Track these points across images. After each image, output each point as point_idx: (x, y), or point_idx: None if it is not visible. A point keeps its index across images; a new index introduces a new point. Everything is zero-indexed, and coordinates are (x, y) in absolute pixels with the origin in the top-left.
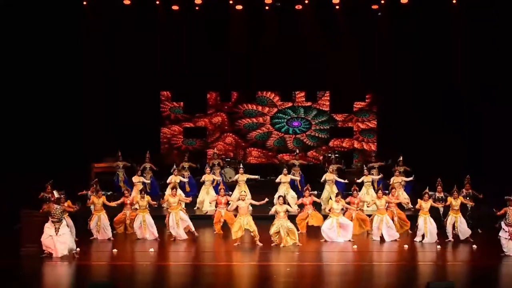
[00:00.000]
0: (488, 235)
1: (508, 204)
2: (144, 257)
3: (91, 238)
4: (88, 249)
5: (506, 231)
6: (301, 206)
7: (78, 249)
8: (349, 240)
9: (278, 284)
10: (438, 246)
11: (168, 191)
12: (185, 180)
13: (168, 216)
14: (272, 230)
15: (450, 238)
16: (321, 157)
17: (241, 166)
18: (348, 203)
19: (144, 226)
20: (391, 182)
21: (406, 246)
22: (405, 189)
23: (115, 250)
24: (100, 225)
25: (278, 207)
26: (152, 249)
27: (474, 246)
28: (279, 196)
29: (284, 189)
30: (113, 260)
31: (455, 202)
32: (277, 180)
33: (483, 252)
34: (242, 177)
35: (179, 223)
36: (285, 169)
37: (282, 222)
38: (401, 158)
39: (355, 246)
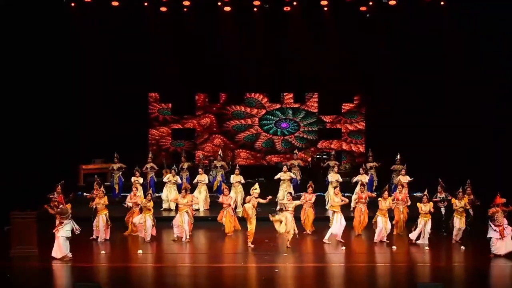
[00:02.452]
0: (478, 237)
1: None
2: (132, 259)
3: (90, 238)
4: (78, 251)
5: (496, 231)
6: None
7: (70, 254)
8: (340, 241)
9: (272, 285)
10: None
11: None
12: (184, 180)
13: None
14: (277, 217)
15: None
16: (309, 159)
17: (238, 167)
18: (356, 199)
19: (144, 226)
20: (396, 182)
21: (394, 248)
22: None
23: (103, 252)
24: (98, 225)
25: (288, 203)
26: (140, 251)
27: (463, 247)
28: (288, 192)
29: (284, 187)
30: (101, 261)
31: (459, 203)
32: (277, 176)
33: (472, 254)
34: (236, 178)
35: (184, 222)
36: (284, 167)
37: (288, 215)
38: (398, 157)
39: (343, 248)
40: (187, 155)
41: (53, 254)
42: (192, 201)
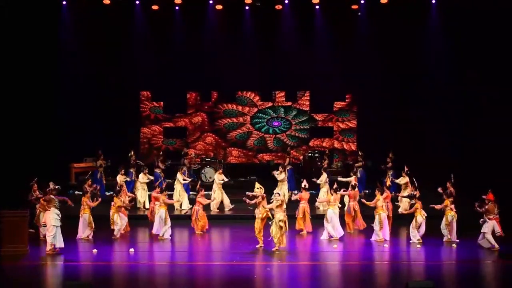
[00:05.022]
0: (468, 235)
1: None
2: (123, 257)
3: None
4: (68, 249)
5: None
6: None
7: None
8: (331, 237)
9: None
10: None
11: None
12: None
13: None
14: (272, 230)
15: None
16: (301, 157)
17: (221, 165)
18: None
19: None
20: (398, 181)
21: (386, 246)
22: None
23: (94, 250)
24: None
25: (273, 204)
26: (132, 249)
27: (454, 245)
28: (277, 193)
29: (284, 186)
30: (92, 260)
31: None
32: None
33: (462, 252)
34: (219, 177)
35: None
36: (280, 167)
37: (279, 214)
38: (390, 155)
39: (335, 246)
40: (179, 154)
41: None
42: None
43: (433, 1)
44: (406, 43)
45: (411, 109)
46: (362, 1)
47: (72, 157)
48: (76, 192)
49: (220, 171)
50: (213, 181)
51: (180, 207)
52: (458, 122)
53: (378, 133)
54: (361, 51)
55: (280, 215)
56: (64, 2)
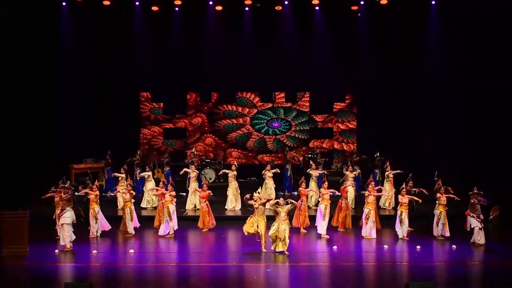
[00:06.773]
0: (466, 235)
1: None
2: (124, 258)
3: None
4: (69, 250)
5: (479, 221)
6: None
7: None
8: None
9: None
10: (418, 247)
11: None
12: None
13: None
14: (271, 232)
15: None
16: (301, 158)
17: (235, 164)
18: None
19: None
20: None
21: (386, 247)
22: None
23: (94, 251)
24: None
25: (280, 208)
26: (132, 250)
27: (454, 246)
28: (280, 197)
29: (270, 184)
30: (93, 261)
31: (443, 197)
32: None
33: (461, 252)
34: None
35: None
36: (268, 165)
37: (281, 224)
38: (378, 154)
39: (335, 247)
40: (179, 155)
41: (61, 242)
42: None
43: (433, 2)
44: (406, 44)
45: (411, 109)
46: (362, 2)
47: (72, 158)
48: (76, 193)
49: (234, 167)
50: (213, 182)
51: (195, 207)
52: (458, 122)
53: (378, 133)
54: (361, 51)
55: (283, 224)
56: (64, 3)
